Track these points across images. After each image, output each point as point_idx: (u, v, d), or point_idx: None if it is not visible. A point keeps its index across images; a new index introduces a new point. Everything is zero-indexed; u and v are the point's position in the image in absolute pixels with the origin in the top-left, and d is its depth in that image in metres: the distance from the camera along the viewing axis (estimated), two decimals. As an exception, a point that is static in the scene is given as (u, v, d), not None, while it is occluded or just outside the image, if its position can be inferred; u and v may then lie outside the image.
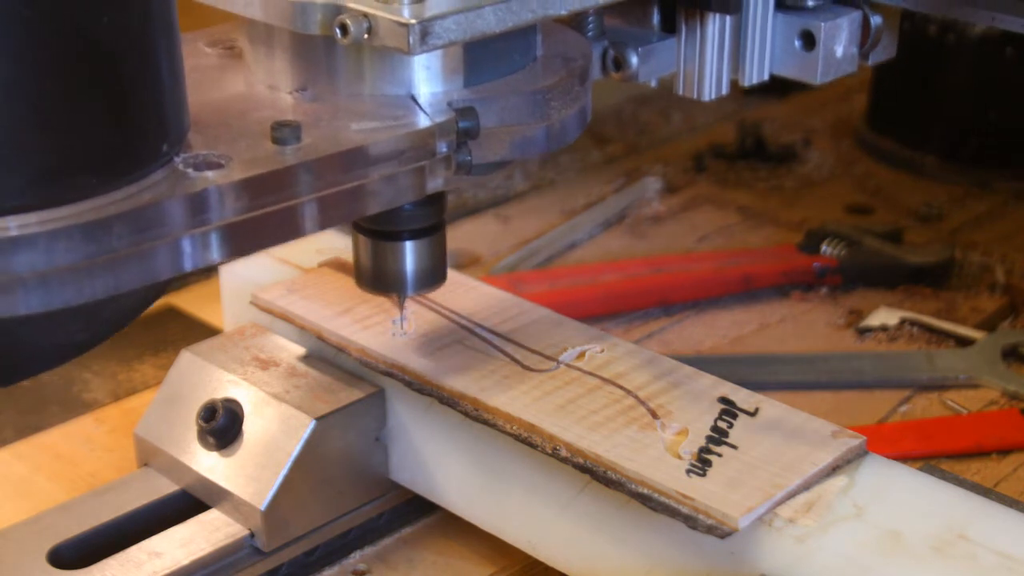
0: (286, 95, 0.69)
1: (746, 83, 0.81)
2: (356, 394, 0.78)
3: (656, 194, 1.24)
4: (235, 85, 0.70)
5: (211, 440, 0.77)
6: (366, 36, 0.64)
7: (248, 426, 0.77)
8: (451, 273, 0.82)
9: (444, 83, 0.69)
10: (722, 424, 0.71)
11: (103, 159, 0.56)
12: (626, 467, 0.68)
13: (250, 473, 0.75)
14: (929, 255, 1.09)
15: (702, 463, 0.68)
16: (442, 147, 0.67)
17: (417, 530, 0.82)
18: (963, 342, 0.99)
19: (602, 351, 0.77)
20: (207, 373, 0.81)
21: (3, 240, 0.53)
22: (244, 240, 0.60)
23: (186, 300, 1.06)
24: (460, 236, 1.15)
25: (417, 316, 0.80)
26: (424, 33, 0.63)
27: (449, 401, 0.74)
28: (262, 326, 0.85)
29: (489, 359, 0.77)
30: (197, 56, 0.72)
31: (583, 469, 0.69)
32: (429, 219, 0.74)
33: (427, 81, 0.68)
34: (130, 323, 0.65)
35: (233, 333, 0.85)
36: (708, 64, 0.80)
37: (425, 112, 0.67)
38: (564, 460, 0.70)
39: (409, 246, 0.74)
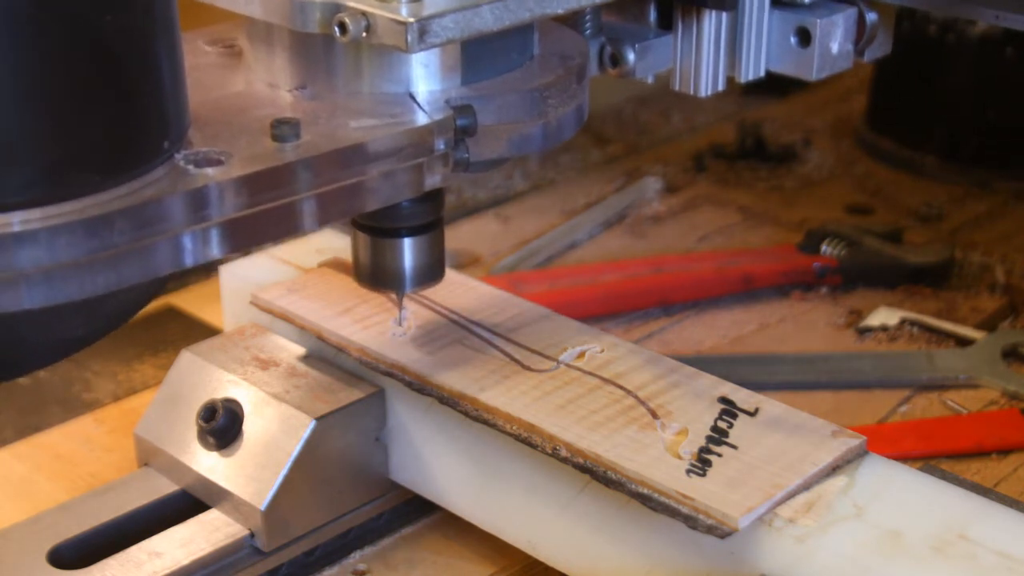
0: (285, 93, 0.69)
1: (742, 79, 0.81)
2: (356, 394, 0.78)
3: (656, 194, 1.24)
4: (235, 83, 0.70)
5: (211, 440, 0.77)
6: (364, 34, 0.64)
7: (248, 426, 0.77)
8: (451, 273, 0.82)
9: (442, 81, 0.69)
10: (722, 424, 0.71)
11: (105, 156, 0.56)
12: (626, 467, 0.68)
13: (250, 473, 0.75)
14: (929, 255, 1.09)
15: (702, 463, 0.68)
16: (440, 144, 0.67)
17: (417, 530, 0.82)
18: (963, 342, 0.99)
19: (602, 351, 0.77)
20: (207, 373, 0.81)
21: (6, 236, 0.54)
22: (244, 236, 0.61)
23: (186, 300, 1.06)
24: (460, 236, 1.15)
25: (417, 316, 0.80)
26: (422, 31, 0.63)
27: (449, 401, 0.74)
28: (262, 326, 0.85)
29: (489, 359, 0.77)
30: (197, 55, 0.72)
31: (583, 469, 0.69)
32: (427, 216, 0.74)
33: (425, 79, 0.69)
34: (131, 318, 0.65)
35: (233, 333, 0.85)
36: (704, 60, 0.81)
37: (423, 110, 0.67)
38: (564, 460, 0.70)
39: (407, 243, 0.74)
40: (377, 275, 0.76)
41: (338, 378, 0.80)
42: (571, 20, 0.79)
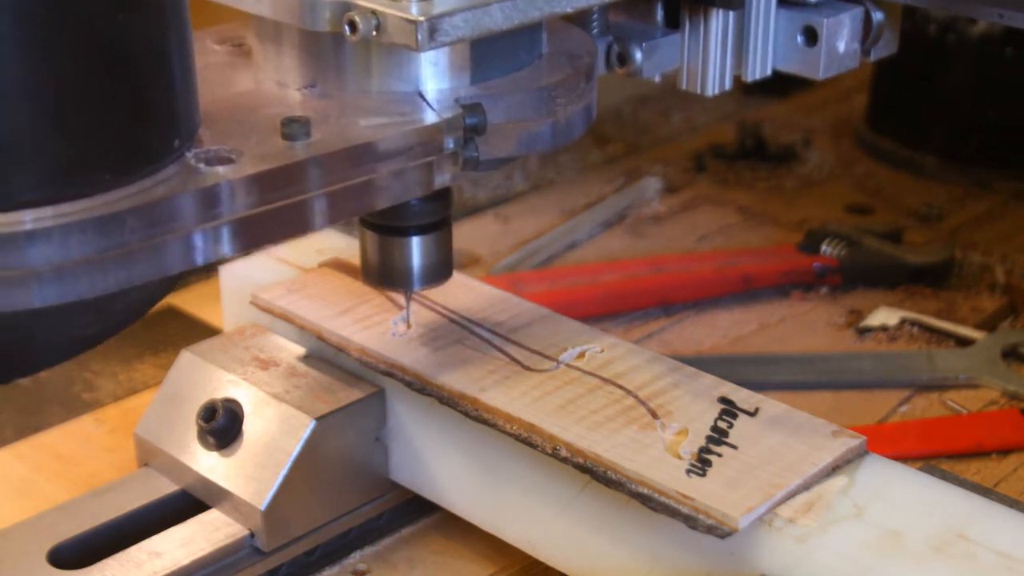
0: (295, 92, 0.69)
1: (749, 79, 0.81)
2: (356, 394, 0.78)
3: (656, 194, 1.24)
4: (244, 82, 0.70)
5: (211, 440, 0.77)
6: (375, 33, 0.64)
7: (248, 426, 0.77)
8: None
9: (451, 79, 0.69)
10: (722, 424, 0.71)
11: (117, 154, 0.57)
12: (626, 467, 0.68)
13: (250, 473, 0.75)
14: (929, 255, 1.09)
15: (702, 463, 0.68)
16: (449, 143, 0.67)
17: (417, 530, 0.82)
18: (963, 342, 0.99)
19: (602, 351, 0.77)
20: (207, 373, 0.81)
21: (18, 234, 0.54)
22: (254, 234, 0.61)
23: (186, 300, 1.06)
24: (460, 236, 1.14)
25: (417, 316, 0.80)
26: (432, 30, 0.63)
27: (449, 401, 0.74)
28: (262, 326, 0.85)
29: (489, 359, 0.77)
30: (207, 54, 0.73)
31: (583, 469, 0.69)
32: (436, 214, 0.74)
33: (435, 77, 0.69)
34: (141, 316, 0.65)
35: (233, 333, 0.85)
36: (711, 60, 0.81)
37: (433, 108, 0.67)
38: (564, 460, 0.70)
39: (416, 241, 0.74)
40: (385, 274, 0.76)
41: (338, 378, 0.80)
42: (579, 19, 0.79)
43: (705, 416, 0.72)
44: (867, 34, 0.82)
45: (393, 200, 0.66)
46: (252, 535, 0.75)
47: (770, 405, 0.73)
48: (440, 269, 0.76)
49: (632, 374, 0.75)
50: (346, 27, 0.64)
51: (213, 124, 0.63)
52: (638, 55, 0.80)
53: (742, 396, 0.73)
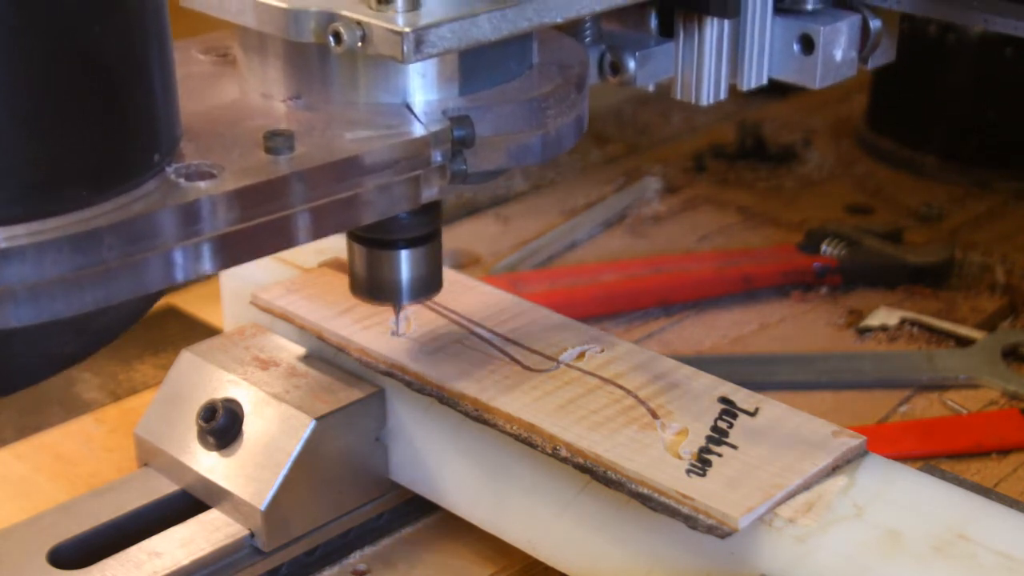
0: (280, 103, 0.68)
1: (744, 87, 0.81)
2: (356, 394, 0.78)
3: (656, 194, 1.24)
4: (228, 93, 0.69)
5: (211, 440, 0.77)
6: (360, 44, 0.63)
7: (248, 426, 0.77)
8: (451, 273, 0.82)
9: (439, 91, 0.68)
10: (722, 424, 0.71)
11: (93, 170, 0.55)
12: (626, 467, 0.68)
13: (250, 473, 0.75)
14: (929, 255, 1.09)
15: (702, 463, 0.68)
16: (437, 156, 0.66)
17: (417, 530, 0.82)
18: (963, 342, 0.99)
19: (602, 351, 0.77)
20: (207, 373, 0.81)
21: None
22: (236, 251, 0.59)
23: (186, 300, 1.06)
24: (460, 236, 1.15)
25: (417, 316, 0.80)
26: (419, 41, 0.62)
27: (449, 401, 0.74)
28: (262, 326, 0.85)
29: (489, 359, 0.77)
30: (190, 64, 0.71)
31: (583, 469, 0.69)
32: (424, 228, 0.73)
33: (422, 89, 0.67)
34: (122, 334, 0.64)
35: (233, 333, 0.85)
36: (706, 68, 0.80)
37: (420, 121, 0.66)
38: (564, 460, 0.70)
39: (404, 255, 0.73)
40: (374, 287, 0.75)
41: (338, 378, 0.80)
42: (571, 28, 0.79)
43: (705, 416, 0.72)
44: (865, 42, 0.82)
45: (379, 215, 0.65)
46: (252, 535, 0.75)
47: (770, 405, 0.73)
48: (429, 282, 0.75)
49: (632, 374, 0.75)
50: (331, 38, 0.63)
51: (195, 137, 0.62)
52: (631, 64, 0.80)
53: (742, 396, 0.73)
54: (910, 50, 0.88)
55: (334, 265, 0.87)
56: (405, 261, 0.74)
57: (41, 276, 0.53)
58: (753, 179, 1.27)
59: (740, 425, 0.71)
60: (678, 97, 0.82)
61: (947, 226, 1.18)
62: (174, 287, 0.59)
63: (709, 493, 0.66)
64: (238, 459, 0.76)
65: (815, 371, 0.96)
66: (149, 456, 0.81)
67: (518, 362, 0.77)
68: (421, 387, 0.76)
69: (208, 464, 0.77)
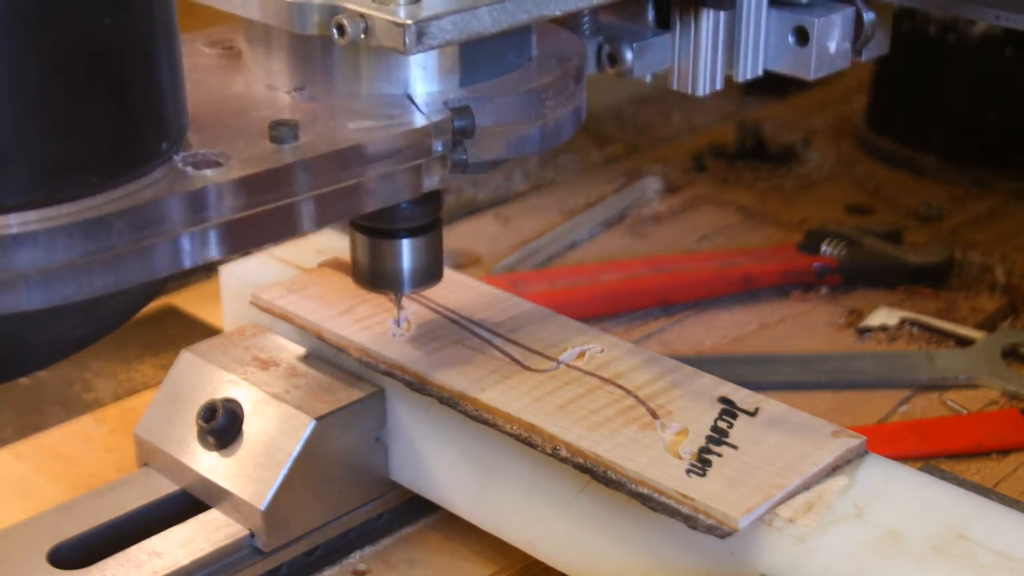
0: (284, 95, 0.69)
1: (740, 78, 0.81)
2: (356, 394, 0.78)
3: (656, 194, 1.24)
4: (233, 85, 0.70)
5: (211, 440, 0.77)
6: (363, 36, 0.64)
7: (248, 426, 0.77)
8: (451, 273, 0.82)
9: (440, 82, 0.69)
10: (722, 424, 0.71)
11: (103, 157, 0.56)
12: (626, 467, 0.68)
13: (250, 473, 0.75)
14: (929, 255, 1.09)
15: (702, 463, 0.68)
16: (438, 146, 0.67)
17: (417, 530, 0.82)
18: (963, 342, 0.99)
19: (602, 351, 0.77)
20: (207, 373, 0.81)
21: (4, 237, 0.54)
22: (242, 237, 0.61)
23: (186, 300, 1.06)
24: (460, 236, 1.15)
25: (417, 316, 0.80)
26: (420, 33, 0.63)
27: (449, 401, 0.74)
28: (262, 326, 0.85)
29: (489, 359, 0.77)
30: (196, 56, 0.72)
31: (583, 469, 0.69)
32: (425, 217, 0.74)
33: (423, 80, 0.69)
34: (129, 320, 0.65)
35: (233, 333, 0.85)
36: (702, 59, 0.80)
37: (421, 111, 0.67)
38: (564, 460, 0.70)
39: (406, 244, 0.74)
40: (376, 276, 0.76)
41: (338, 378, 0.80)
42: (568, 21, 0.79)
43: (705, 416, 0.72)
44: (858, 34, 0.82)
45: (382, 203, 0.66)
46: (252, 535, 0.75)
47: (770, 405, 0.73)
48: (431, 271, 0.76)
49: (632, 374, 0.75)
50: (334, 30, 0.64)
51: (202, 127, 0.63)
52: (629, 55, 0.80)
53: (742, 396, 0.73)
54: (910, 50, 0.88)
55: (334, 265, 0.87)
56: (407, 250, 0.75)
57: (52, 261, 0.54)
58: (753, 179, 1.27)
59: (740, 425, 0.71)
60: (675, 88, 0.82)
61: (947, 226, 1.18)
62: (176, 285, 0.60)
63: (709, 493, 0.66)
64: (238, 459, 0.76)
65: (815, 371, 0.96)
66: (149, 456, 0.81)
67: (518, 362, 0.77)
68: (421, 387, 0.76)
69: (208, 464, 0.77)
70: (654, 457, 0.69)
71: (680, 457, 0.69)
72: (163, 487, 0.79)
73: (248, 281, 0.87)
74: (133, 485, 0.79)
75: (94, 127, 0.56)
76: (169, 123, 0.59)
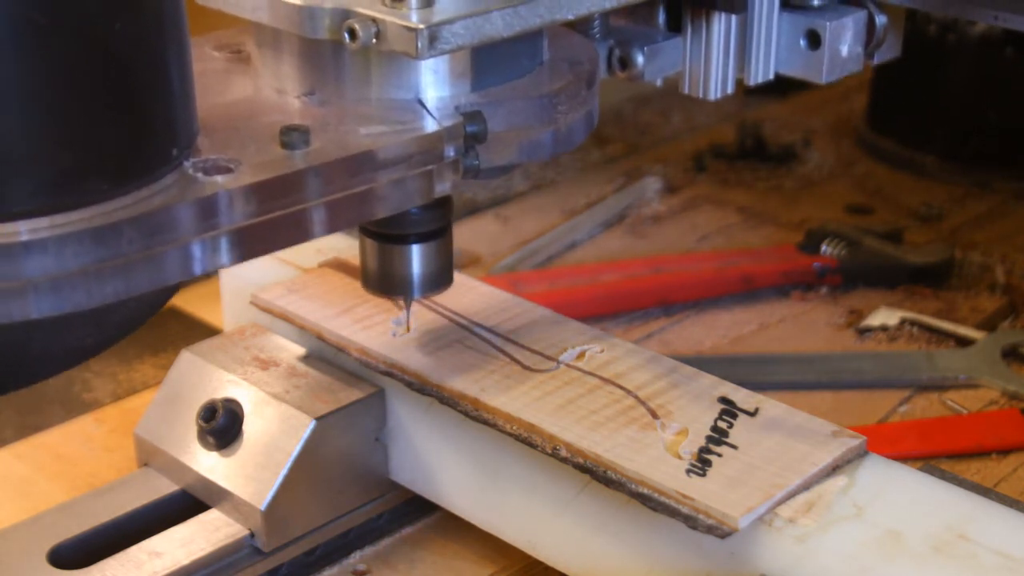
0: (294, 99, 0.68)
1: (751, 82, 0.81)
2: (356, 394, 0.78)
3: (656, 194, 1.24)
4: (243, 89, 0.70)
5: (211, 440, 0.77)
6: (374, 41, 0.64)
7: (248, 426, 0.77)
8: (451, 273, 0.82)
9: (452, 87, 0.69)
10: (722, 424, 0.71)
11: (113, 164, 0.56)
12: (626, 467, 0.68)
13: (250, 473, 0.75)
14: (929, 255, 1.09)
15: (702, 463, 0.68)
16: (450, 151, 0.67)
17: (417, 530, 0.82)
18: (963, 342, 0.99)
19: (602, 351, 0.77)
20: (207, 373, 0.81)
21: (14, 244, 0.53)
22: (253, 244, 0.60)
23: (186, 300, 1.06)
24: (460, 236, 1.15)
25: (417, 316, 0.80)
26: (432, 38, 0.63)
27: (449, 401, 0.74)
28: (262, 326, 0.85)
29: (489, 359, 0.77)
30: (205, 60, 0.72)
31: (583, 469, 0.69)
32: (436, 222, 0.74)
33: (435, 85, 0.68)
34: (140, 326, 0.65)
35: (233, 333, 0.85)
36: (714, 63, 0.80)
37: (433, 116, 0.67)
38: (564, 460, 0.70)
39: (416, 249, 0.74)
40: (385, 281, 0.75)
41: (338, 378, 0.80)
42: (579, 24, 0.79)
43: (705, 416, 0.72)
44: (870, 37, 0.82)
45: (393, 209, 0.66)
46: (252, 535, 0.75)
47: (770, 405, 0.73)
48: (440, 276, 0.76)
49: (632, 374, 0.75)
50: (346, 35, 0.64)
51: (212, 132, 0.63)
52: (640, 59, 0.80)
53: (742, 396, 0.73)
54: (910, 50, 0.88)
55: (334, 265, 0.87)
56: (416, 255, 0.74)
57: (62, 268, 0.54)
58: (753, 179, 1.27)
59: (740, 425, 0.71)
60: (686, 91, 0.82)
61: (947, 226, 1.18)
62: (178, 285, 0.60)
63: (709, 493, 0.66)
64: (238, 459, 0.76)
65: (815, 371, 0.96)
66: (149, 456, 0.81)
67: (518, 362, 0.77)
68: (421, 387, 0.76)
69: (208, 464, 0.77)
70: (654, 457, 0.69)
71: (680, 457, 0.69)
72: (163, 487, 0.79)
73: (248, 281, 0.87)
74: (133, 485, 0.79)
75: (104, 133, 0.56)
76: (179, 129, 0.59)
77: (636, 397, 0.73)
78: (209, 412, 0.77)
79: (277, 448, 0.76)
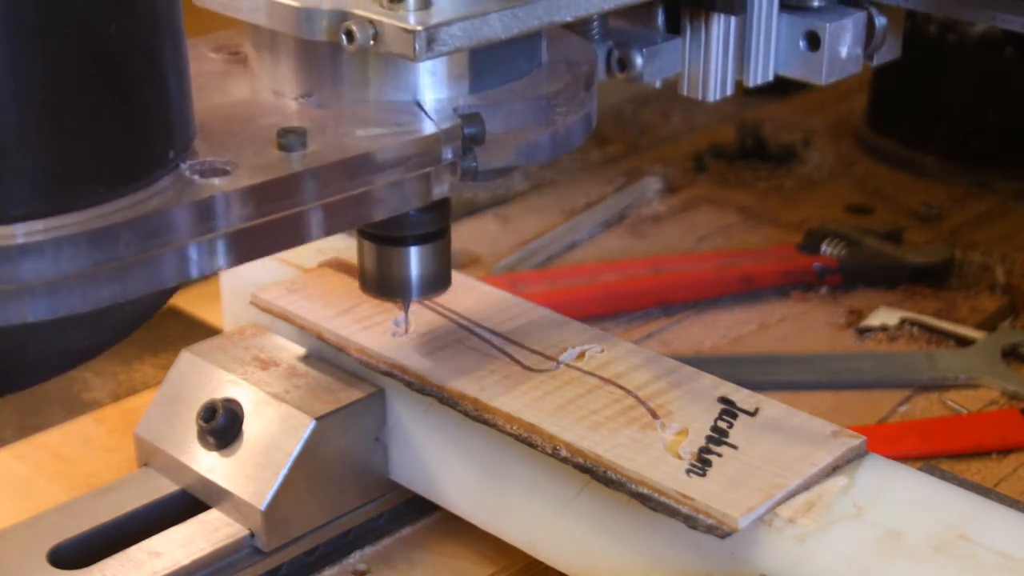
0: (291, 101, 0.68)
1: (750, 84, 0.81)
2: (356, 394, 0.78)
3: (656, 194, 1.24)
4: (240, 91, 0.70)
5: (211, 440, 0.77)
6: (372, 42, 0.63)
7: (248, 426, 0.77)
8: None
9: (450, 89, 0.68)
10: (722, 424, 0.71)
11: (110, 166, 0.56)
12: (626, 467, 0.68)
13: (250, 473, 0.75)
14: (929, 255, 1.09)
15: (702, 463, 0.68)
16: (448, 153, 0.67)
17: (417, 530, 0.82)
18: (963, 342, 0.99)
19: (602, 351, 0.77)
20: (207, 373, 0.81)
21: (10, 248, 0.53)
22: (250, 247, 0.60)
23: (186, 300, 1.06)
24: (460, 236, 1.15)
25: (417, 316, 0.80)
26: (430, 40, 0.62)
27: (449, 401, 0.74)
28: (262, 326, 0.85)
29: (489, 359, 0.77)
30: (202, 62, 0.72)
31: (583, 469, 0.69)
32: (434, 224, 0.74)
33: (432, 87, 0.68)
34: (136, 329, 0.65)
35: (233, 333, 0.85)
36: (713, 64, 0.80)
37: (431, 118, 0.67)
38: (564, 460, 0.70)
39: (414, 251, 0.74)
40: (383, 283, 0.75)
41: (338, 378, 0.80)
42: (578, 26, 0.79)
43: (705, 416, 0.72)
44: (870, 39, 0.82)
45: (391, 211, 0.66)
46: (252, 535, 0.75)
47: (770, 405, 0.73)
48: (439, 279, 0.75)
49: (632, 374, 0.75)
50: (343, 36, 0.64)
51: (209, 134, 0.63)
52: (639, 60, 0.80)
53: (742, 396, 0.73)
54: (910, 50, 0.88)
55: (334, 265, 0.87)
56: (415, 258, 0.74)
57: (58, 271, 0.54)
58: (753, 179, 1.27)
59: (740, 425, 0.71)
60: (684, 93, 0.82)
61: (947, 226, 1.18)
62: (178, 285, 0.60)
63: (709, 493, 0.66)
64: (238, 459, 0.76)
65: (815, 371, 0.96)
66: (149, 456, 0.81)
67: (518, 362, 0.77)
68: (421, 387, 0.76)
69: (208, 464, 0.77)
70: (654, 457, 0.69)
71: (680, 457, 0.69)
72: (163, 487, 0.79)
73: (248, 281, 0.87)
74: (133, 485, 0.79)
75: (100, 136, 0.55)
76: (176, 131, 0.59)
77: (636, 397, 0.73)
78: (209, 412, 0.77)
79: (277, 448, 0.76)
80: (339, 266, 0.87)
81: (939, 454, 0.87)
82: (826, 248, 1.08)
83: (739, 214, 1.20)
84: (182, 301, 1.06)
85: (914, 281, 1.07)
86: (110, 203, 0.56)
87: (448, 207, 0.74)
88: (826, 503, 0.66)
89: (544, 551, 0.75)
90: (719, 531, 0.65)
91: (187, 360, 0.82)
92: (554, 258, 1.13)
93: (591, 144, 1.33)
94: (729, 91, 0.82)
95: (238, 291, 0.88)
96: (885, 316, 1.02)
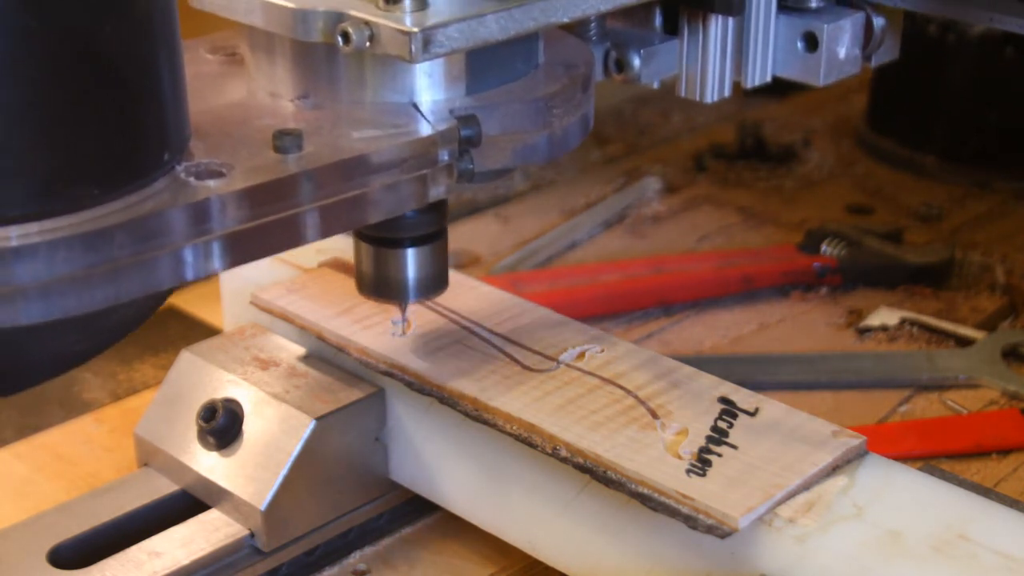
0: (287, 103, 0.68)
1: (748, 85, 0.81)
2: (356, 394, 0.78)
3: (656, 194, 1.24)
4: (236, 92, 0.69)
5: (211, 440, 0.77)
6: (368, 44, 0.63)
7: (248, 426, 0.77)
8: (451, 273, 0.82)
9: (446, 91, 0.68)
10: (722, 424, 0.71)
11: (104, 168, 0.56)
12: (626, 467, 0.68)
13: (250, 473, 0.75)
14: (929, 255, 1.09)
15: (702, 463, 0.68)
16: (444, 155, 0.66)
17: (417, 530, 0.82)
18: (963, 342, 0.99)
19: (602, 351, 0.77)
20: (207, 373, 0.81)
21: (4, 250, 0.53)
22: (245, 249, 0.60)
23: (186, 300, 1.06)
24: (460, 236, 1.15)
25: (417, 316, 0.80)
26: (426, 41, 0.62)
27: (449, 401, 0.74)
28: (262, 326, 0.85)
29: (489, 359, 0.77)
30: (198, 63, 0.72)
31: (583, 469, 0.69)
32: (431, 226, 0.73)
33: (429, 89, 0.68)
34: (131, 332, 0.64)
35: (233, 333, 0.85)
36: (710, 66, 0.80)
37: (427, 120, 0.67)
38: (564, 460, 0.70)
39: (411, 253, 0.74)
40: (380, 285, 0.75)
41: (338, 378, 0.80)
42: (575, 27, 0.79)
43: (705, 416, 0.72)
44: (868, 40, 0.82)
45: (387, 213, 0.66)
46: (252, 535, 0.75)
47: (770, 405, 0.73)
48: (435, 281, 0.75)
49: (632, 374, 0.75)
50: (339, 38, 0.64)
51: (204, 136, 0.63)
52: (636, 61, 0.80)
53: (742, 396, 0.73)
54: (910, 50, 0.88)
55: (334, 265, 0.87)
56: (412, 259, 0.74)
57: (52, 274, 0.54)
58: (753, 179, 1.27)
59: (740, 425, 0.71)
60: (682, 95, 0.82)
61: (947, 226, 1.18)
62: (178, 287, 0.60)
63: (709, 493, 0.66)
64: (238, 459, 0.76)
65: (815, 371, 0.96)
66: (149, 456, 0.81)
67: (518, 362, 0.77)
68: (421, 387, 0.76)
69: (208, 464, 0.77)
70: (654, 457, 0.69)
71: (680, 457, 0.69)
72: (163, 487, 0.79)
73: (248, 281, 0.87)
74: (133, 485, 0.79)
75: (94, 137, 0.55)
76: (171, 133, 0.59)
77: (636, 397, 0.73)
78: (209, 412, 0.77)
79: (277, 448, 0.76)
80: (339, 266, 0.87)
81: (939, 454, 0.87)
82: (826, 248, 1.08)
83: (739, 214, 1.20)
84: (182, 301, 1.06)
85: (914, 281, 1.07)
86: (105, 205, 0.56)
87: (445, 209, 0.74)
88: (826, 503, 0.66)
89: (544, 551, 0.75)
90: (719, 531, 0.65)
91: (187, 360, 0.82)
92: (554, 258, 1.13)
93: (591, 144, 1.33)
94: (727, 92, 0.82)
95: (238, 291, 0.88)
96: (885, 316, 1.02)
